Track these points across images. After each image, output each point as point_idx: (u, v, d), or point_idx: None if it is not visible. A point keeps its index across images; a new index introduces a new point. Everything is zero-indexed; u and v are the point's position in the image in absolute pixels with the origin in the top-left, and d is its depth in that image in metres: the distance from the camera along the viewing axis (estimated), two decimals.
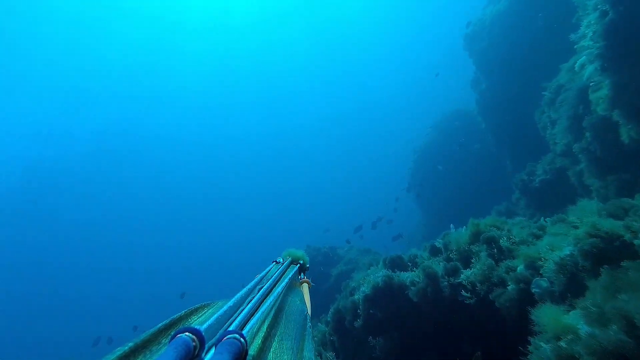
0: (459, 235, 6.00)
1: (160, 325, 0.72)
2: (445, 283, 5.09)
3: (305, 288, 1.50)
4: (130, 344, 0.62)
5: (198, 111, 75.67)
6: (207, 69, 70.94)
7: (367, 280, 6.59)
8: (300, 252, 1.67)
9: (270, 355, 0.71)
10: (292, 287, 1.33)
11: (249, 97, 76.40)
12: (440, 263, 5.61)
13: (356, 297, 6.78)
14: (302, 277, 1.63)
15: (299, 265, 1.58)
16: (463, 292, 4.69)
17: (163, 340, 0.68)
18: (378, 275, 6.50)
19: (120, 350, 0.59)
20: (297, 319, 0.96)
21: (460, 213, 24.79)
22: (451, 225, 7.12)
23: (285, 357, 0.71)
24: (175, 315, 0.80)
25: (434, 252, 6.57)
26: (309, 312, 1.21)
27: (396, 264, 6.95)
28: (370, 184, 72.79)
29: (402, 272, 6.34)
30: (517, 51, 14.02)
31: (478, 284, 4.54)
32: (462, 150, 24.30)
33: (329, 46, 70.06)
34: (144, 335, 0.67)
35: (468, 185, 24.12)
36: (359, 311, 6.37)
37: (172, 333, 0.54)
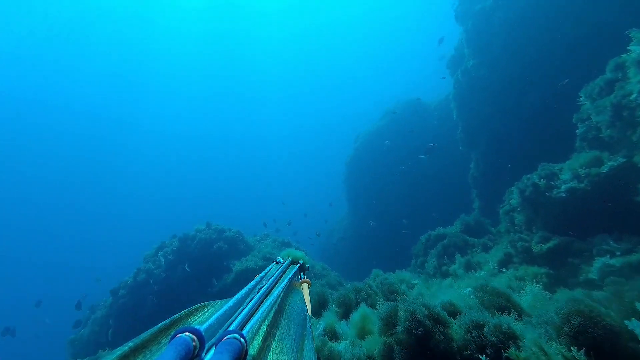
0: None
1: (160, 325, 0.72)
2: None
3: (305, 288, 1.46)
4: (130, 344, 0.61)
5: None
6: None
7: None
8: (300, 253, 1.66)
9: (270, 355, 0.70)
10: (292, 287, 1.32)
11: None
12: None
13: None
14: (302, 277, 1.61)
15: (298, 265, 1.58)
16: None
17: (163, 340, 0.67)
18: None
19: (120, 350, 0.59)
20: (297, 319, 0.95)
21: (398, 215, 21.92)
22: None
23: (286, 357, 0.70)
24: (175, 315, 0.79)
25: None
26: (309, 312, 1.16)
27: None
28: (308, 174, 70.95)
29: None
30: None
31: None
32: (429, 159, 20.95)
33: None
34: (143, 335, 0.65)
35: (412, 183, 21.23)
36: None
37: (172, 333, 0.54)
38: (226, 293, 12.56)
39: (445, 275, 9.48)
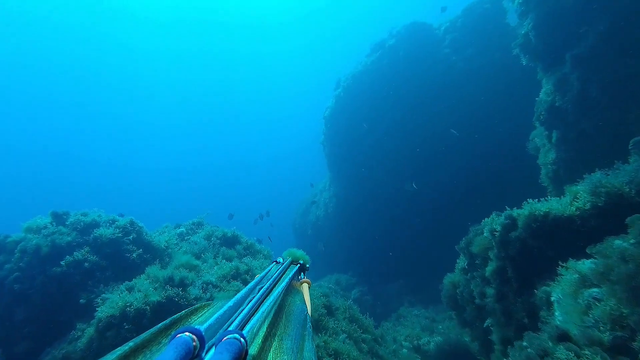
0: None
1: (160, 325, 0.71)
2: None
3: (305, 288, 1.42)
4: (130, 344, 0.60)
5: None
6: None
7: None
8: (300, 252, 1.64)
9: (271, 355, 0.69)
10: (292, 287, 1.31)
11: None
12: None
13: None
14: (303, 277, 1.59)
15: (299, 265, 1.56)
16: None
17: (163, 340, 0.66)
18: None
19: (120, 350, 0.58)
20: (297, 319, 0.94)
21: (400, 187, 15.12)
22: None
23: (286, 357, 0.69)
24: (175, 315, 0.78)
25: None
26: (309, 312, 1.15)
27: None
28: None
29: None
30: None
31: None
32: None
33: None
34: (144, 335, 0.65)
35: (416, 139, 14.57)
36: None
37: (172, 333, 0.53)
38: None
39: None
